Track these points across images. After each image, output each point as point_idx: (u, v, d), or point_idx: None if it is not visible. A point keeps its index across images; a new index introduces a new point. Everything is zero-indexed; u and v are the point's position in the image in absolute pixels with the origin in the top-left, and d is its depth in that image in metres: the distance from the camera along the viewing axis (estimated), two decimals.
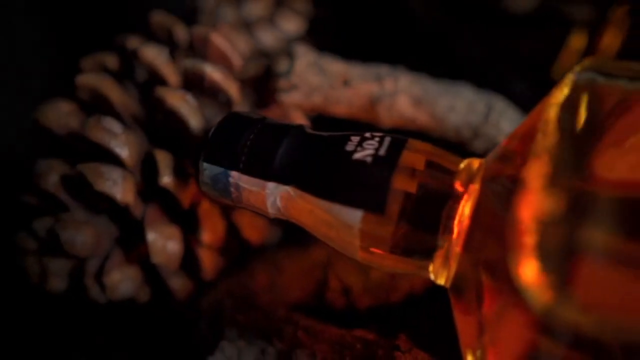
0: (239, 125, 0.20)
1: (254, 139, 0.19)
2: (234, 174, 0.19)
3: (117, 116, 0.23)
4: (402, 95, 0.26)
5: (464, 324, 0.16)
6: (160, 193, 0.23)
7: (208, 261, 0.25)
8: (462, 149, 0.27)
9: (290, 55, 0.26)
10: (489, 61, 0.33)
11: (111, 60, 0.25)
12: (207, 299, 0.26)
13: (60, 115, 0.23)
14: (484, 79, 0.30)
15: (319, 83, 0.26)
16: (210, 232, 0.24)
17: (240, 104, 0.26)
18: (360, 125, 0.27)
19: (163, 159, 0.22)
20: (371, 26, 0.36)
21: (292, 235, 0.28)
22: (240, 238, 0.26)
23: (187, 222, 0.24)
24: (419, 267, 0.17)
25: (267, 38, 0.31)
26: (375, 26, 0.36)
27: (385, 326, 0.24)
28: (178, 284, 0.25)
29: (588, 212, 0.12)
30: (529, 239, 0.12)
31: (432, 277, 0.17)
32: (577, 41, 0.35)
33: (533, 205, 0.13)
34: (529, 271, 0.12)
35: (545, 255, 0.11)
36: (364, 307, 0.26)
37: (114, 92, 0.22)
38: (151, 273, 0.25)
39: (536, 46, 0.35)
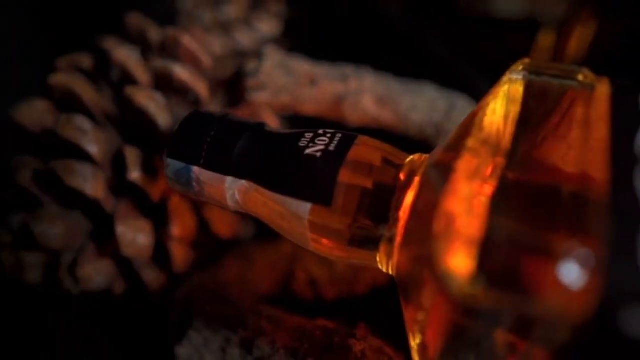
0: (201, 123, 0.21)
1: (214, 135, 0.20)
2: (196, 169, 0.20)
3: (88, 114, 0.23)
4: (367, 94, 0.27)
5: (407, 310, 0.17)
6: (132, 188, 0.24)
7: (179, 254, 0.26)
8: (426, 146, 0.28)
9: (259, 55, 0.27)
10: (457, 61, 0.34)
11: (85, 61, 0.26)
12: (179, 291, 0.27)
13: (35, 113, 0.24)
14: (452, 78, 0.31)
15: (287, 83, 0.26)
16: (180, 226, 0.25)
17: (210, 103, 0.27)
18: (330, 124, 0.28)
19: (132, 155, 0.23)
20: (345, 27, 0.37)
21: (265, 229, 0.29)
22: (211, 232, 0.27)
23: (158, 217, 0.25)
24: (367, 257, 0.18)
25: (243, 39, 0.32)
26: (348, 27, 0.37)
27: (349, 316, 0.25)
28: (151, 276, 0.26)
29: (504, 200, 0.13)
30: (446, 227, 0.13)
31: (380, 266, 0.18)
32: (545, 40, 0.36)
33: (456, 194, 0.14)
34: (446, 258, 0.12)
35: (460, 242, 0.12)
36: (330, 298, 0.27)
37: (85, 91, 0.23)
38: (125, 266, 0.26)
39: (504, 46, 0.36)
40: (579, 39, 0.36)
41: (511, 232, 0.12)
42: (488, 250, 0.12)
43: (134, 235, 0.24)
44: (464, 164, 0.15)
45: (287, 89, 0.27)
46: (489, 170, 0.14)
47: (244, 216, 0.28)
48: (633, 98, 0.15)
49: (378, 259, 0.18)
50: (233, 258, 0.28)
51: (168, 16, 0.33)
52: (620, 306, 0.10)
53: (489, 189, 0.14)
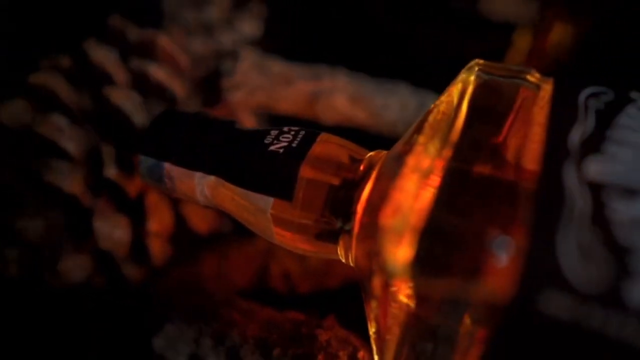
0: (172, 121, 0.21)
1: (185, 133, 0.21)
2: (167, 165, 0.21)
3: (66, 113, 0.24)
4: (340, 93, 0.27)
5: (365, 300, 0.18)
6: (110, 185, 0.25)
7: (156, 249, 0.26)
8: None
9: (234, 56, 0.28)
10: (437, 61, 0.35)
11: (66, 61, 0.27)
12: (157, 285, 0.27)
13: (15, 112, 0.25)
14: (434, 78, 0.32)
15: (262, 82, 0.27)
16: (157, 222, 0.26)
17: (189, 102, 0.28)
18: (305, 123, 0.29)
19: (108, 153, 0.23)
20: (326, 27, 0.38)
21: (242, 225, 0.30)
22: (188, 228, 0.28)
23: (136, 212, 0.26)
24: (329, 250, 0.19)
25: (225, 40, 0.33)
26: (330, 28, 0.38)
27: (322, 309, 0.25)
28: (130, 270, 0.27)
29: (445, 191, 0.14)
30: (391, 218, 0.14)
31: (342, 259, 0.19)
32: (521, 40, 0.37)
33: (403, 187, 0.14)
34: (387, 247, 0.13)
35: (401, 232, 0.13)
36: (303, 291, 0.27)
37: (63, 90, 0.24)
38: (104, 261, 0.27)
39: (482, 46, 0.37)
40: (555, 39, 0.37)
41: (446, 221, 0.13)
42: (425, 240, 0.13)
43: (111, 230, 0.25)
44: (414, 158, 0.15)
45: (262, 88, 0.27)
46: (437, 164, 0.15)
47: (221, 212, 0.29)
48: (572, 96, 0.15)
49: (339, 251, 0.19)
50: (210, 253, 0.28)
51: (153, 17, 0.34)
52: (538, 290, 0.11)
53: (435, 181, 0.14)
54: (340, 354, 0.20)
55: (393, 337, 0.16)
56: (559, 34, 0.36)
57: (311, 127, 0.21)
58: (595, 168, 0.13)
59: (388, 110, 0.28)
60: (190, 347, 0.23)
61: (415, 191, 0.14)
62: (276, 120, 0.30)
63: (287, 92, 0.27)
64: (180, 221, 0.27)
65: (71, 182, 0.23)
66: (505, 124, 0.16)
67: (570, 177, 0.13)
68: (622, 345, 0.10)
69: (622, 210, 0.12)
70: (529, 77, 0.17)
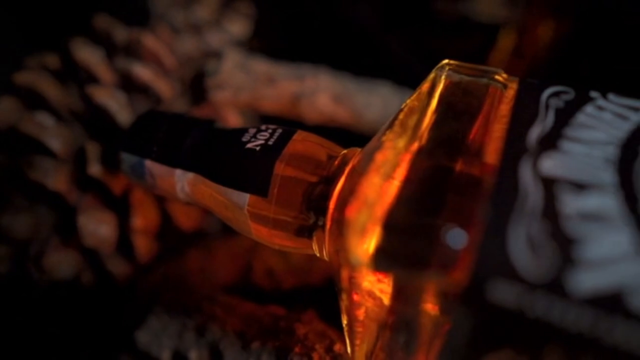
0: (154, 120, 0.22)
1: (165, 131, 0.21)
2: (148, 162, 0.21)
3: (52, 111, 0.25)
4: (322, 93, 0.28)
5: (337, 293, 0.18)
6: (96, 182, 0.25)
7: (142, 246, 0.27)
8: None
9: (218, 56, 0.28)
10: (420, 60, 0.35)
11: (53, 60, 0.27)
12: (143, 281, 0.28)
13: (2, 111, 0.25)
14: (417, 77, 0.32)
15: (246, 82, 0.28)
16: (143, 218, 0.26)
17: (175, 101, 0.28)
18: (289, 122, 0.30)
19: (92, 150, 0.24)
20: (313, 29, 0.38)
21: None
22: (173, 225, 0.28)
23: (122, 209, 0.27)
24: (305, 245, 0.19)
25: (213, 40, 0.33)
26: (317, 29, 0.38)
27: (305, 304, 0.26)
28: (116, 267, 0.27)
29: (408, 186, 0.14)
30: (356, 212, 0.14)
31: (317, 254, 0.20)
32: (505, 40, 0.38)
33: (369, 182, 0.15)
34: (351, 240, 0.14)
35: (364, 225, 0.14)
36: (287, 288, 0.28)
37: (49, 89, 0.24)
38: (91, 257, 0.27)
39: (466, 46, 0.38)
40: (538, 38, 0.37)
41: (405, 214, 0.13)
42: (385, 232, 0.13)
43: (96, 227, 0.25)
44: (381, 154, 0.16)
45: (246, 88, 0.28)
46: (403, 159, 0.15)
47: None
48: (535, 95, 0.16)
49: (314, 247, 0.19)
50: (195, 250, 0.29)
51: (141, 17, 0.35)
52: (487, 280, 0.11)
53: (400, 175, 0.15)
54: (317, 346, 0.21)
55: (361, 328, 0.17)
56: (542, 34, 0.37)
57: (296, 127, 0.21)
58: (549, 164, 0.13)
59: (370, 110, 0.28)
60: (173, 341, 0.24)
61: (380, 185, 0.15)
62: (266, 119, 0.30)
63: (270, 92, 0.28)
64: (166, 218, 0.28)
65: (55, 180, 0.24)
66: (473, 122, 0.16)
67: (525, 173, 0.13)
68: (564, 332, 0.11)
69: (571, 204, 0.12)
70: (496, 77, 0.18)
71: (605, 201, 0.12)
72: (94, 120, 0.26)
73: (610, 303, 0.11)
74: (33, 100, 0.25)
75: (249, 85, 0.28)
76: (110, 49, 0.28)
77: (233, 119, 0.29)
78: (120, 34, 0.28)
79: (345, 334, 0.18)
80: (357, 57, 0.36)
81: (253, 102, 0.28)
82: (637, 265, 0.11)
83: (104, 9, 0.32)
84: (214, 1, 0.36)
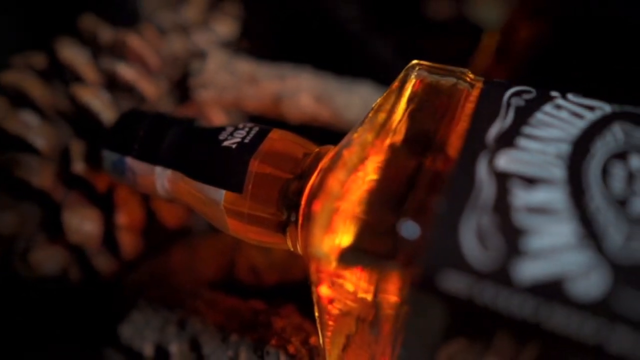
0: (135, 119, 0.22)
1: (146, 129, 0.22)
2: (128, 159, 0.22)
3: (37, 110, 0.25)
4: (304, 92, 0.28)
5: (310, 286, 0.19)
6: (81, 180, 0.26)
7: (126, 242, 0.27)
8: None
9: (202, 55, 0.29)
10: (402, 60, 0.36)
11: (40, 59, 0.28)
12: (128, 277, 0.28)
13: None
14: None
15: (229, 81, 0.28)
16: (127, 216, 0.27)
17: (160, 100, 0.29)
18: (272, 122, 0.30)
19: (76, 148, 0.24)
20: (301, 29, 0.39)
21: None
22: (158, 222, 0.29)
23: (107, 207, 0.27)
24: (279, 241, 0.20)
25: (202, 40, 0.34)
26: (305, 29, 0.39)
27: (286, 299, 0.26)
28: (102, 263, 0.28)
29: (373, 181, 0.15)
30: (321, 208, 0.15)
31: (292, 249, 0.20)
32: (489, 41, 0.38)
33: (335, 178, 0.15)
34: (315, 235, 0.14)
35: (328, 221, 0.14)
36: (269, 283, 0.28)
37: (35, 88, 0.25)
38: (78, 253, 0.28)
39: (451, 47, 0.38)
40: (521, 39, 0.38)
41: (366, 208, 0.14)
42: (347, 225, 0.14)
43: (81, 223, 0.26)
44: (349, 150, 0.16)
45: (229, 87, 0.28)
46: (369, 154, 0.16)
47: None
48: (498, 95, 0.16)
49: (288, 242, 0.20)
50: (180, 246, 0.29)
51: (129, 17, 0.35)
52: (438, 269, 0.12)
53: (365, 170, 0.16)
54: (293, 339, 0.21)
55: (331, 321, 0.17)
56: (525, 35, 0.37)
57: (279, 126, 0.22)
58: (504, 160, 0.14)
59: (350, 109, 0.29)
60: (155, 334, 0.25)
61: (345, 181, 0.15)
62: (252, 119, 0.31)
63: (253, 91, 0.28)
64: (151, 216, 0.28)
65: (40, 177, 0.24)
66: (439, 120, 0.17)
67: (481, 168, 0.14)
68: (510, 318, 0.11)
69: (521, 197, 0.13)
70: (464, 77, 0.18)
71: (553, 195, 0.13)
72: (79, 119, 0.26)
73: (550, 290, 0.11)
74: (19, 100, 0.26)
75: (232, 84, 0.28)
76: (96, 49, 0.29)
77: (217, 118, 0.30)
78: (106, 34, 0.29)
79: (317, 325, 0.19)
80: (344, 57, 0.36)
81: (236, 101, 0.29)
82: (577, 255, 0.12)
83: (94, 10, 0.33)
84: (202, 2, 0.36)
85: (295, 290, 0.29)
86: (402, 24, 0.40)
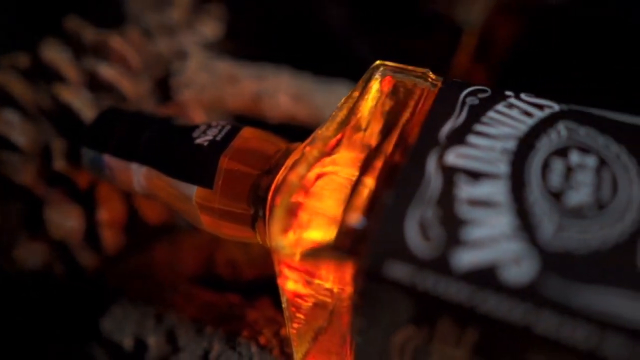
0: (114, 117, 0.23)
1: (123, 127, 0.22)
2: (106, 157, 0.22)
3: (19, 108, 0.26)
4: (282, 92, 0.29)
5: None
6: (64, 177, 0.27)
7: (108, 238, 0.28)
8: None
9: (183, 56, 0.29)
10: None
11: (23, 60, 0.28)
12: (111, 272, 0.29)
13: None
14: None
15: (209, 81, 0.29)
16: (109, 212, 0.28)
17: (142, 100, 0.29)
18: (251, 121, 0.31)
19: (57, 146, 0.25)
20: (284, 30, 0.40)
21: None
22: (140, 218, 0.29)
23: (90, 203, 0.28)
24: (249, 235, 0.21)
25: (186, 41, 0.34)
26: (287, 30, 0.40)
27: (263, 292, 0.27)
28: (85, 259, 0.29)
29: (327, 177, 0.15)
30: (279, 202, 0.15)
31: (261, 243, 0.21)
32: (469, 41, 0.39)
33: (294, 174, 0.16)
34: (272, 227, 0.15)
35: (284, 214, 0.15)
36: (248, 278, 0.29)
37: (17, 87, 0.26)
38: (62, 249, 0.28)
39: (429, 47, 0.39)
40: (500, 39, 0.39)
41: (310, 200, 0.14)
42: (305, 219, 0.14)
43: (62, 219, 0.26)
44: (310, 146, 0.17)
45: (209, 87, 0.29)
46: (327, 150, 0.17)
47: None
48: (454, 94, 0.17)
49: (258, 236, 0.20)
50: (162, 242, 0.30)
51: (115, 19, 0.36)
52: (384, 259, 0.13)
53: (323, 166, 0.16)
54: (265, 330, 0.22)
55: (296, 311, 0.18)
56: (504, 34, 0.38)
57: (259, 125, 0.23)
58: (453, 155, 0.15)
59: (329, 108, 0.29)
60: (133, 328, 0.25)
61: (304, 174, 0.16)
62: (236, 118, 0.32)
63: (233, 91, 0.29)
64: (133, 212, 0.29)
65: (22, 174, 0.25)
66: (402, 117, 0.18)
67: (431, 163, 0.15)
68: (449, 304, 0.12)
69: (465, 190, 0.14)
70: (425, 77, 0.19)
71: (496, 189, 0.14)
72: (61, 118, 0.27)
73: (485, 276, 0.12)
74: (2, 99, 0.26)
75: (212, 84, 0.29)
76: (81, 49, 0.30)
77: (198, 117, 0.30)
78: (89, 35, 0.30)
79: (285, 317, 0.19)
80: (326, 57, 0.37)
81: (217, 100, 0.30)
82: (511, 244, 0.12)
83: (82, 11, 0.33)
84: (187, 3, 0.37)
85: (272, 284, 0.30)
86: (383, 24, 0.40)
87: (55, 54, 0.27)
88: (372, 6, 0.41)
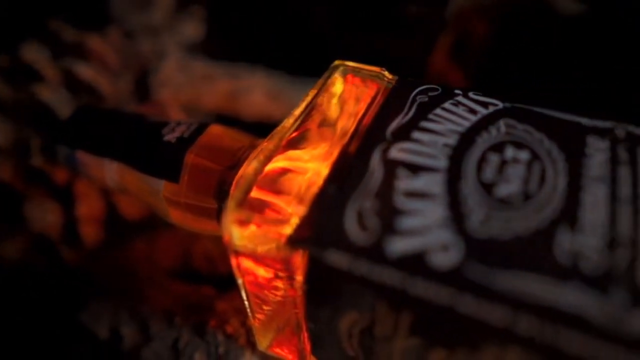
0: (88, 115, 0.24)
1: (96, 125, 0.23)
2: (79, 153, 0.23)
3: None
4: (257, 91, 0.30)
5: None
6: (43, 173, 0.27)
7: (87, 233, 0.29)
8: None
9: (160, 56, 0.30)
10: (361, 61, 0.37)
11: (3, 59, 0.29)
12: (90, 266, 0.30)
13: None
14: None
15: (185, 81, 0.30)
16: (86, 207, 0.28)
17: (117, 98, 0.30)
18: (228, 120, 0.32)
19: (34, 144, 0.26)
20: (265, 30, 0.40)
21: None
22: (119, 214, 0.30)
23: (68, 199, 0.28)
24: (214, 228, 0.21)
25: (168, 42, 0.35)
26: (269, 30, 0.40)
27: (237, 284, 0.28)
28: (65, 253, 0.29)
29: (275, 172, 0.16)
30: (233, 195, 0.16)
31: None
32: (445, 40, 0.40)
33: (249, 168, 0.17)
34: (226, 218, 0.16)
35: (232, 204, 0.16)
36: (224, 271, 0.30)
37: None
38: (42, 244, 0.29)
39: (408, 47, 0.40)
40: (476, 38, 0.39)
41: (258, 193, 0.15)
42: (253, 212, 0.15)
43: (42, 214, 0.27)
44: (267, 144, 0.18)
45: (186, 86, 0.30)
46: (281, 145, 0.18)
47: None
48: (406, 92, 0.18)
49: (222, 230, 0.21)
50: (141, 237, 0.31)
51: (99, 20, 0.36)
52: (325, 247, 0.14)
53: (276, 161, 0.17)
54: (232, 320, 0.23)
55: (253, 300, 0.19)
56: (480, 35, 0.39)
57: (234, 124, 0.23)
58: (396, 150, 0.16)
59: None
60: (111, 319, 0.26)
61: (259, 168, 0.17)
62: (214, 118, 0.32)
63: (208, 90, 0.30)
64: (112, 208, 0.30)
65: (1, 170, 0.26)
66: (358, 114, 0.19)
67: (376, 158, 0.15)
68: (383, 289, 0.13)
69: (404, 182, 0.14)
70: (381, 76, 0.20)
71: (433, 181, 0.14)
72: (39, 116, 0.28)
73: (415, 262, 0.13)
74: None
75: (189, 83, 0.30)
76: (62, 50, 0.30)
77: (175, 115, 0.31)
78: (69, 36, 0.30)
79: (247, 308, 0.20)
80: (308, 57, 0.38)
81: (193, 99, 0.30)
82: (441, 233, 0.13)
83: (66, 12, 0.34)
84: (169, 5, 0.38)
85: None
86: (360, 24, 0.41)
87: (34, 54, 0.27)
88: (350, 6, 0.42)
